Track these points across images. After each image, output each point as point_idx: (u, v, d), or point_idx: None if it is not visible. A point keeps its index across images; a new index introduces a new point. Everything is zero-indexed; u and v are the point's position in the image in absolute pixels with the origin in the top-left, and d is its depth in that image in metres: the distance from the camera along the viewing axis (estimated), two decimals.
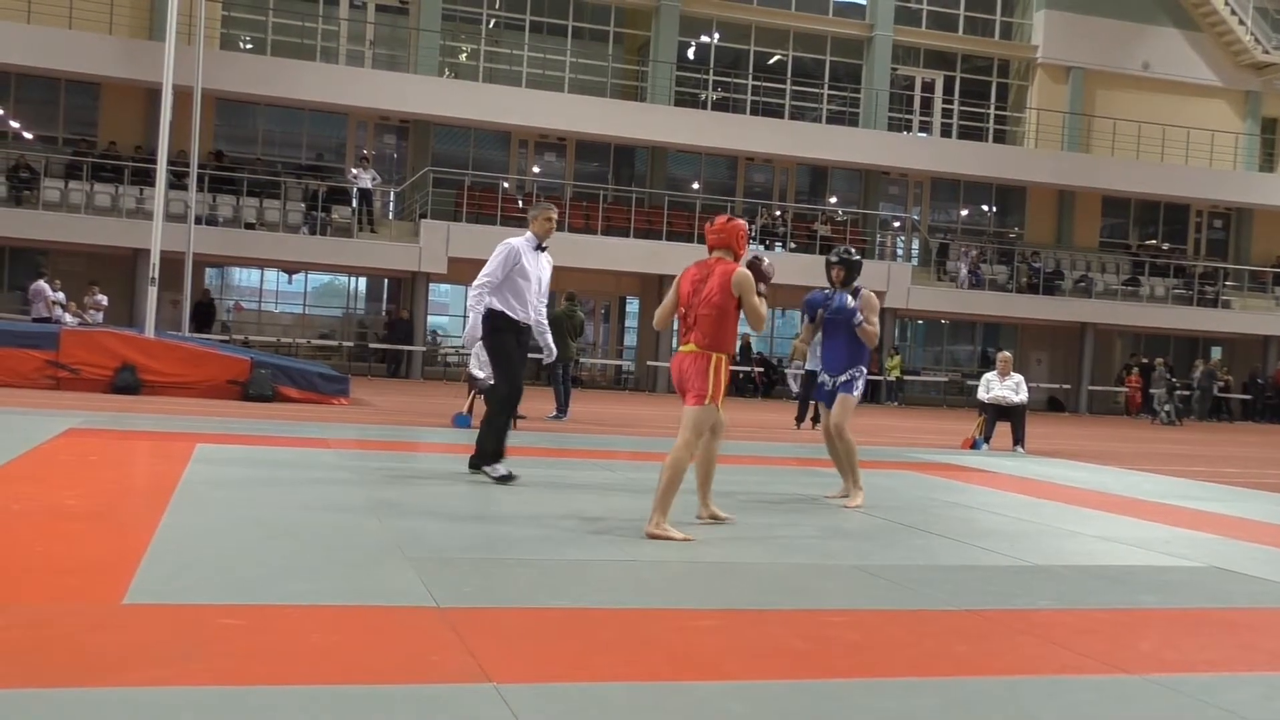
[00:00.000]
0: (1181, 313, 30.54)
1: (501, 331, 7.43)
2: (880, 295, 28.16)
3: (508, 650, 3.43)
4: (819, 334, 7.66)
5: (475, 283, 7.45)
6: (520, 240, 7.52)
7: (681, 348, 6.08)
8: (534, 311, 7.54)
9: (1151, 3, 31.72)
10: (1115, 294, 30.73)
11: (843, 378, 7.39)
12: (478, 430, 7.69)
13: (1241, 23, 31.75)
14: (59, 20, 24.34)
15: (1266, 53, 31.74)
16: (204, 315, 24.85)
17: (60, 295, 21.44)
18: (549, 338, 7.90)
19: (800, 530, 6.30)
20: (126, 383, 13.57)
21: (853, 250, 7.75)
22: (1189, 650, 4.09)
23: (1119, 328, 31.54)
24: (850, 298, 7.41)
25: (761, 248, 28.41)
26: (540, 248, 7.57)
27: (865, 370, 7.44)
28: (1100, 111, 31.45)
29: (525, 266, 7.41)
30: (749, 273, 6.03)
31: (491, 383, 12.12)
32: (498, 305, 7.40)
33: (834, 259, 7.60)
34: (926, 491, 8.60)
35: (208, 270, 26.58)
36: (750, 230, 30.64)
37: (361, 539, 5.16)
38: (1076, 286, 30.49)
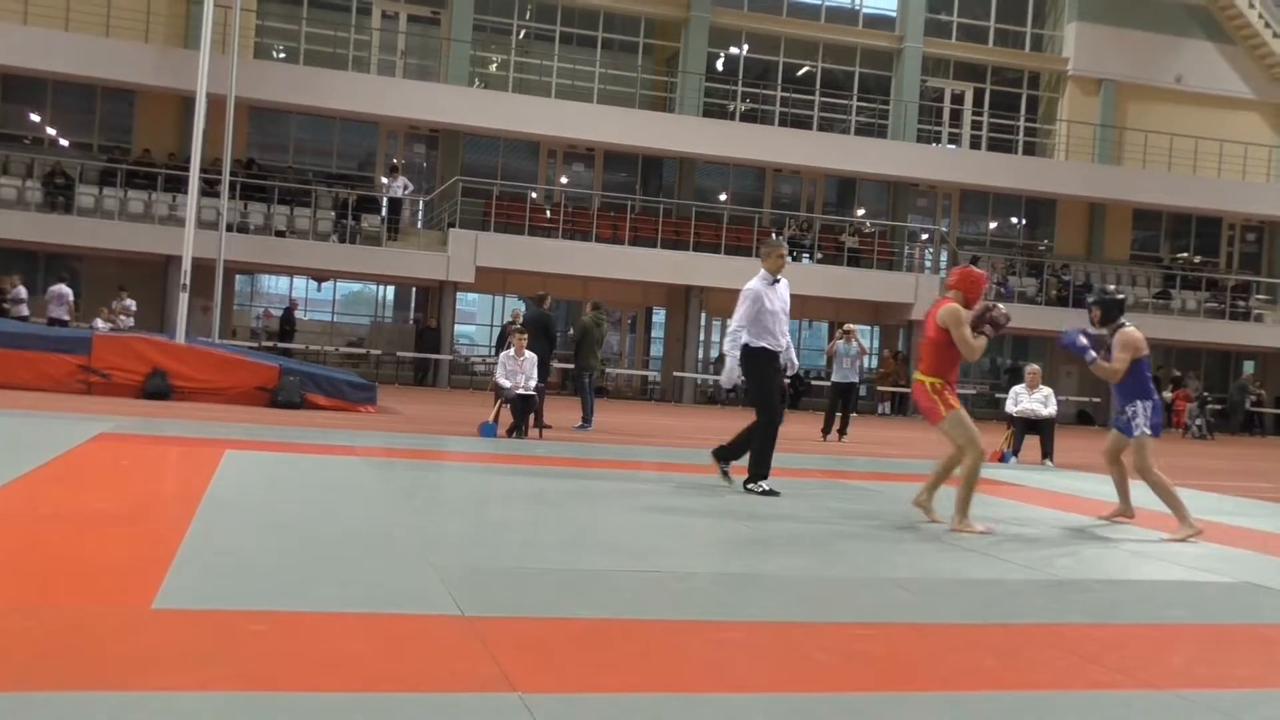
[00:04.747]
0: (1213, 326, 30.19)
1: (763, 365, 8.21)
2: (907, 308, 28.27)
3: (533, 660, 3.43)
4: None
5: (730, 329, 8.34)
6: (757, 281, 8.27)
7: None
8: (784, 337, 8.34)
9: (1184, 15, 31.47)
10: (1146, 307, 30.41)
11: (1123, 416, 7.45)
12: (748, 454, 8.27)
13: (1276, 35, 31.41)
14: (96, 28, 24.65)
15: None
16: (287, 326, 25.07)
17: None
18: (793, 354, 8.71)
19: (826, 542, 6.27)
20: (157, 388, 13.69)
21: (1110, 289, 8.00)
22: (1221, 666, 4.04)
23: (1149, 341, 31.15)
24: (1081, 336, 7.52)
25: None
26: (775, 281, 8.29)
27: (1145, 404, 7.40)
28: (1132, 124, 31.21)
29: (767, 304, 8.19)
30: (958, 308, 6.73)
31: (519, 393, 12.29)
32: (757, 342, 8.17)
33: (1091, 299, 7.81)
34: None
35: (238, 277, 26.80)
36: (783, 241, 30.58)
37: (387, 547, 5.18)
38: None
